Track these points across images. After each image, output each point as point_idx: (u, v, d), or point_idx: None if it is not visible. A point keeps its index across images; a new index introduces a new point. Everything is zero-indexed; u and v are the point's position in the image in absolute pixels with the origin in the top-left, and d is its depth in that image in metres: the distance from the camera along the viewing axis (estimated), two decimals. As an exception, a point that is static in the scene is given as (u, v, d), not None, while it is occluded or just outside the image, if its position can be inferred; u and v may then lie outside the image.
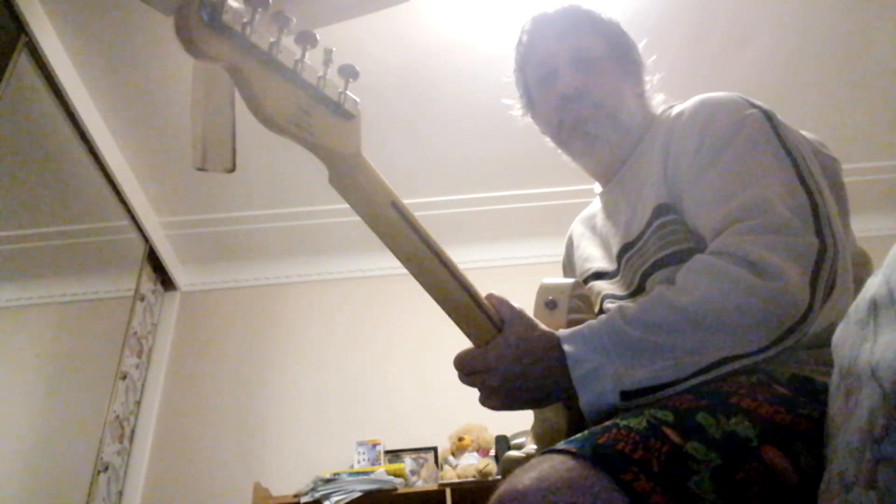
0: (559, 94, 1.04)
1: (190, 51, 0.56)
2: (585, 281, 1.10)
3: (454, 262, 0.76)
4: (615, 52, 1.06)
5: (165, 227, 3.03)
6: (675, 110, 1.00)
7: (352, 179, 0.71)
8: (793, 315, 0.72)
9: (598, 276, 1.07)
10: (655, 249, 0.92)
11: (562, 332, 0.79)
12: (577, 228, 1.21)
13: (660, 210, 0.92)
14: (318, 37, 0.64)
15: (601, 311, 1.03)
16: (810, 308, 0.72)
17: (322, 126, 0.67)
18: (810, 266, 0.74)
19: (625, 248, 0.99)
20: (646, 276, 0.93)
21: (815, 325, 0.73)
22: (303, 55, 0.65)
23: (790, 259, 0.74)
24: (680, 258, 0.87)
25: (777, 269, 0.73)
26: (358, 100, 0.71)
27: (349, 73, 0.69)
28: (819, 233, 0.77)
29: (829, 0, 2.38)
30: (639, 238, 0.95)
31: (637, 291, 0.95)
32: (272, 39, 0.62)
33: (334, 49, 0.67)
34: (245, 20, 0.59)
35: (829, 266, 0.75)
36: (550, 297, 0.90)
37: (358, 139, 0.72)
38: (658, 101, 1.09)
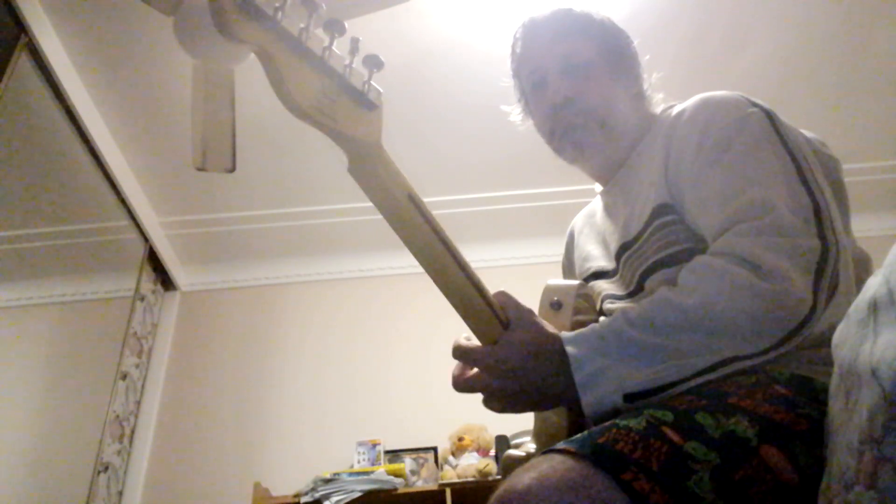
0: (549, 104, 1.04)
1: (223, 32, 0.57)
2: (585, 280, 1.10)
3: (465, 258, 0.76)
4: (607, 55, 1.05)
5: (165, 227, 3.03)
6: (675, 110, 0.99)
7: (371, 169, 0.71)
8: (796, 317, 0.72)
9: (598, 275, 1.07)
10: (655, 250, 0.92)
11: (565, 334, 0.79)
12: (577, 224, 1.21)
13: (659, 210, 0.92)
14: (346, 25, 0.65)
15: (601, 310, 1.04)
16: (814, 310, 0.72)
17: (345, 114, 0.68)
18: (813, 268, 0.74)
19: (623, 248, 0.99)
20: (645, 276, 0.93)
21: (818, 326, 0.73)
22: (331, 43, 0.65)
23: (793, 261, 0.74)
24: (679, 259, 0.87)
25: (780, 270, 0.73)
26: (381, 90, 0.72)
27: (374, 63, 0.70)
28: (821, 234, 0.76)
29: (828, 1, 2.38)
30: (637, 238, 0.95)
31: (636, 291, 0.95)
32: (302, 25, 0.63)
33: (361, 38, 0.68)
34: (277, 4, 0.60)
35: (832, 268, 0.75)
36: (556, 298, 0.90)
37: (379, 129, 0.72)
38: (658, 100, 1.08)
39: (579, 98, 1.02)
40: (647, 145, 1.01)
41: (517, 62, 1.12)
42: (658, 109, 1.06)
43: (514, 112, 1.17)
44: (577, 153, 1.05)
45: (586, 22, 1.07)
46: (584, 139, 1.03)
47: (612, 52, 1.06)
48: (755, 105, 0.90)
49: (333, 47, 0.66)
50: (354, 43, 0.68)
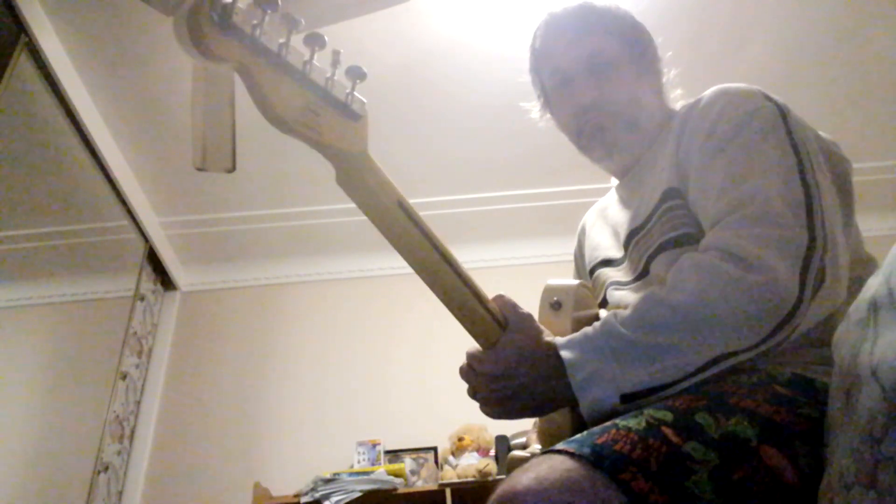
0: (576, 104, 1.03)
1: (201, 51, 0.57)
2: (593, 269, 1.10)
3: (459, 262, 0.76)
4: (631, 51, 1.04)
5: (165, 227, 3.03)
6: (692, 102, 0.99)
7: (359, 179, 0.72)
8: (782, 309, 0.72)
9: (606, 263, 1.08)
10: (661, 232, 0.92)
11: (559, 339, 0.79)
12: (590, 218, 1.22)
13: (668, 194, 0.93)
14: (326, 38, 0.65)
15: (604, 300, 1.04)
16: (799, 301, 0.72)
17: (330, 126, 0.68)
18: (799, 260, 0.74)
19: (633, 233, 0.99)
20: (651, 259, 0.93)
21: (807, 319, 0.73)
22: (311, 56, 0.66)
23: (779, 253, 0.74)
24: (685, 241, 0.88)
25: (765, 263, 0.73)
26: (365, 100, 0.73)
27: (356, 74, 0.70)
28: (810, 227, 0.77)
29: (829, 0, 2.38)
30: (646, 222, 0.96)
31: (642, 275, 0.95)
32: (281, 41, 0.63)
33: (342, 50, 0.68)
34: (255, 21, 0.60)
35: (818, 260, 0.75)
36: (555, 298, 0.91)
37: (365, 139, 0.73)
38: (676, 96, 1.08)
39: (607, 98, 1.01)
40: (664, 139, 1.01)
41: (537, 59, 1.10)
42: (677, 105, 1.06)
43: (533, 108, 1.16)
44: (606, 153, 1.05)
45: (609, 18, 1.05)
46: (614, 140, 1.03)
47: (636, 49, 1.05)
48: (770, 100, 0.90)
49: (314, 61, 0.66)
50: (336, 55, 0.69)
